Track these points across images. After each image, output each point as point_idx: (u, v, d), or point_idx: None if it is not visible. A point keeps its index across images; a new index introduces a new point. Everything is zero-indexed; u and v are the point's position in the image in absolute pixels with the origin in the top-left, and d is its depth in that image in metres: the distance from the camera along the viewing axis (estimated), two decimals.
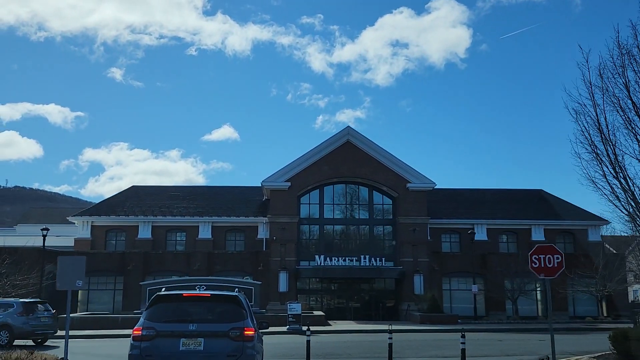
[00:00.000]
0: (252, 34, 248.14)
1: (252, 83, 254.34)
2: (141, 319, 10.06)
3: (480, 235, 47.86)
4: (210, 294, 10.74)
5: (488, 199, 51.27)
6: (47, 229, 34.03)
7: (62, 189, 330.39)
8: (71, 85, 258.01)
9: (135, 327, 9.96)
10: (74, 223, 47.95)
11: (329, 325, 32.22)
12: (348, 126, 45.43)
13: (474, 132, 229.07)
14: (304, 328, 20.74)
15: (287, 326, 29.34)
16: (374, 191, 46.02)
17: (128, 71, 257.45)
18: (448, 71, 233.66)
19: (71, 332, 29.23)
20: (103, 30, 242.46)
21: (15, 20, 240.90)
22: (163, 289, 11.57)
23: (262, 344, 11.79)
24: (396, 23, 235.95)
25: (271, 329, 30.91)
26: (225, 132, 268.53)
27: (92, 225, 46.84)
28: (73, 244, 46.54)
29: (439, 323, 32.56)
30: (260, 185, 48.31)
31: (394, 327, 30.41)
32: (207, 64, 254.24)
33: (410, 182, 44.47)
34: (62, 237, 51.48)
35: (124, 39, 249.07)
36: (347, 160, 44.74)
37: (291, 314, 29.49)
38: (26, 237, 48.58)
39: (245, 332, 9.75)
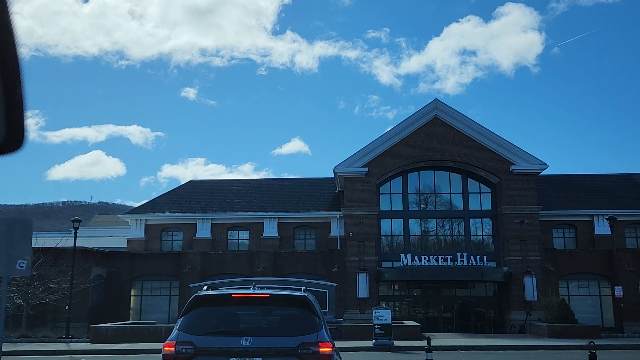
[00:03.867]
0: (319, 51, 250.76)
1: (320, 97, 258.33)
2: (174, 330, 7.33)
3: (602, 228, 39.07)
4: (270, 294, 7.85)
5: (609, 185, 42.27)
6: (79, 221, 28.76)
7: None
8: (150, 107, 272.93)
9: (166, 342, 7.22)
10: (127, 222, 43.18)
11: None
12: (436, 99, 38.06)
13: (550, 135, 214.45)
14: (411, 343, 13.87)
15: (374, 340, 22.39)
16: (468, 178, 38.35)
17: (201, 91, 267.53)
18: (518, 77, 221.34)
19: (104, 346, 23.73)
20: (177, 54, 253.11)
21: (98, 50, 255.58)
22: (204, 288, 8.20)
23: None
24: (463, 31, 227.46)
25: (351, 343, 24.01)
26: (295, 146, 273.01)
27: (146, 224, 41.82)
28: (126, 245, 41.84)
29: (575, 337, 24.59)
30: (332, 176, 41.86)
31: (519, 342, 22.92)
32: (277, 81, 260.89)
33: (514, 164, 36.49)
34: (117, 238, 47.10)
35: (196, 61, 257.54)
36: (435, 141, 37.34)
37: (378, 324, 22.49)
38: (81, 238, 44.47)
39: (321, 350, 6.94)
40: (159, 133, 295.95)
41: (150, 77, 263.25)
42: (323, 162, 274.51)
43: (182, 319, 7.41)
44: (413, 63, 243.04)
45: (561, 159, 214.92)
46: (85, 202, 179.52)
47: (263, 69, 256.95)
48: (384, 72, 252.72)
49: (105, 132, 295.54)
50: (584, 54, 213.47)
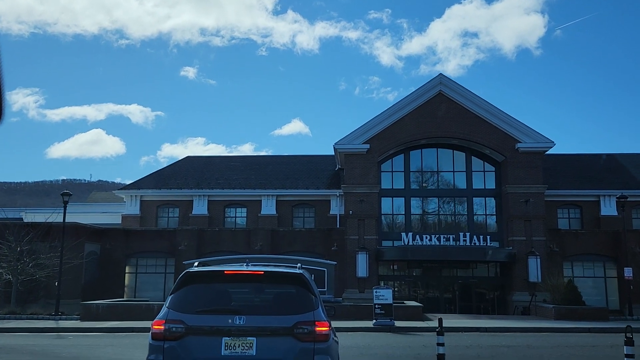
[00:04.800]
0: (320, 32, 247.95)
1: (320, 78, 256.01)
2: (164, 308, 6.89)
3: (608, 209, 38.18)
4: (264, 271, 7.32)
5: (616, 165, 41.23)
6: (69, 194, 27.68)
7: None
8: (150, 86, 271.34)
9: (155, 320, 6.74)
10: (122, 198, 42.24)
11: (430, 320, 24.14)
12: (440, 74, 36.80)
13: (551, 119, 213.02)
14: (413, 323, 13.07)
15: (374, 320, 21.54)
16: (472, 156, 37.28)
17: (201, 70, 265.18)
18: (520, 60, 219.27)
19: (93, 324, 22.87)
20: (177, 34, 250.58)
21: (98, 29, 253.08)
22: (195, 264, 7.80)
23: (337, 346, 7.77)
24: (465, 13, 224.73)
25: (350, 323, 23.16)
26: (295, 127, 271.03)
27: (141, 200, 40.85)
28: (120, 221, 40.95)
29: (582, 319, 23.77)
30: (332, 154, 40.82)
31: (525, 324, 22.08)
32: (277, 62, 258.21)
33: (520, 142, 35.39)
34: (112, 214, 46.21)
35: (196, 41, 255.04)
36: (439, 117, 36.19)
37: (379, 304, 21.61)
38: (75, 214, 43.56)
39: (318, 329, 6.59)
40: (159, 112, 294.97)
41: (150, 56, 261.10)
42: (323, 143, 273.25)
43: (172, 296, 7.05)
44: (414, 44, 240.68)
45: (565, 139, 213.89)
46: (85, 180, 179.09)
47: (263, 50, 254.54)
48: (385, 53, 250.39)
49: (105, 110, 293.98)
50: (586, 37, 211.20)
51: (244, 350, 6.61)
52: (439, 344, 8.17)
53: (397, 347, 15.23)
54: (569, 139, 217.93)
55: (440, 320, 8.15)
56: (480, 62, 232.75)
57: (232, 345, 6.62)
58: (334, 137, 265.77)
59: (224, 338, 6.65)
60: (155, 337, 6.72)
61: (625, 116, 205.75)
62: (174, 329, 6.66)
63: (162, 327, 6.71)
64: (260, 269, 7.46)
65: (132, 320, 22.63)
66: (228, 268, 7.60)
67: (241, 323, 6.69)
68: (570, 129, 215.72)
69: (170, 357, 6.59)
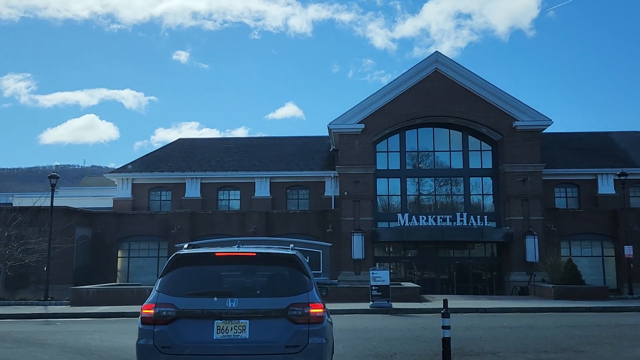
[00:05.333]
0: (312, 14, 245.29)
1: (314, 62, 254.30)
2: (153, 292, 6.79)
3: (606, 187, 37.80)
4: (256, 252, 7.12)
5: (613, 143, 40.76)
6: (57, 177, 26.95)
7: None
8: (143, 70, 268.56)
9: (144, 304, 6.65)
10: (114, 182, 41.54)
11: (428, 301, 23.73)
12: (436, 51, 36.03)
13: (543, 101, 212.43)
14: (410, 305, 12.68)
15: (371, 302, 21.09)
16: (469, 135, 36.68)
17: (193, 54, 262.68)
18: (514, 41, 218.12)
19: (83, 309, 22.30)
20: (168, 18, 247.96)
21: (89, 13, 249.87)
22: (185, 246, 7.65)
23: (332, 328, 7.64)
24: None
25: (346, 305, 22.66)
26: (289, 110, 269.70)
27: (132, 184, 40.13)
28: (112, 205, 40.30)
29: (582, 299, 23.40)
30: (326, 134, 40.17)
31: (525, 305, 21.68)
32: (270, 45, 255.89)
33: (517, 120, 34.81)
34: (104, 198, 45.62)
35: (188, 24, 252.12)
36: (435, 95, 35.50)
37: (375, 286, 21.14)
38: (66, 198, 42.85)
39: (312, 311, 6.52)
40: (152, 97, 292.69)
41: (141, 40, 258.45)
42: (317, 126, 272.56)
43: (161, 279, 6.92)
44: (408, 27, 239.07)
45: (561, 119, 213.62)
46: (79, 166, 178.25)
47: (256, 33, 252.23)
48: (378, 35, 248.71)
49: (97, 96, 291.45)
50: (579, 17, 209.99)
51: (237, 334, 6.47)
52: (444, 327, 7.61)
53: (396, 330, 14.76)
54: (564, 119, 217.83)
55: (445, 302, 7.60)
56: (473, 44, 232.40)
57: (224, 328, 6.48)
58: (327, 121, 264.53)
59: (216, 321, 6.50)
60: (145, 321, 6.58)
61: (620, 95, 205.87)
62: (164, 312, 6.51)
63: (152, 311, 6.56)
64: (252, 250, 7.30)
65: (123, 305, 22.10)
66: (219, 250, 7.42)
67: (233, 305, 6.54)
68: (565, 109, 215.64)
69: (160, 342, 6.44)
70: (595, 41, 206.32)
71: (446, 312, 7.53)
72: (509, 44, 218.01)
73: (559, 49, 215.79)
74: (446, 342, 7.44)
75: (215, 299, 6.60)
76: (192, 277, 6.91)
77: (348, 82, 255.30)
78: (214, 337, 6.47)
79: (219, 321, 6.51)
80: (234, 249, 7.38)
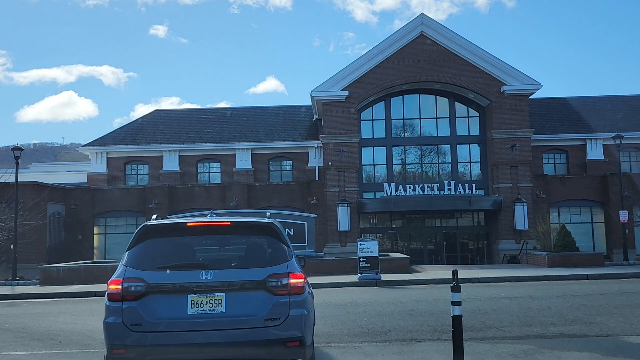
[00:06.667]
0: None
1: (294, 35, 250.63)
2: (120, 266, 6.34)
3: (595, 153, 37.08)
4: (230, 221, 6.68)
5: (602, 108, 39.93)
6: (20, 149, 25.27)
7: None
8: (120, 46, 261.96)
9: (111, 279, 6.22)
10: (87, 156, 39.83)
11: (418, 272, 22.79)
12: (422, 14, 34.55)
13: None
14: (400, 276, 11.70)
15: (359, 274, 20.04)
16: (456, 102, 35.54)
17: (171, 29, 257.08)
18: (493, 12, 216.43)
19: (53, 288, 20.99)
20: None
21: None
22: (153, 217, 7.05)
23: (313, 299, 7.09)
24: None
25: (333, 278, 21.66)
26: (270, 85, 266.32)
27: (107, 157, 38.52)
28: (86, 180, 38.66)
29: (577, 266, 22.66)
30: (309, 104, 38.79)
31: (520, 273, 20.81)
32: (250, 19, 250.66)
33: (506, 84, 33.71)
34: (78, 173, 43.78)
35: None
36: (421, 60, 34.21)
37: (364, 257, 20.08)
38: (37, 174, 41.06)
39: (292, 281, 6.16)
40: (131, 74, 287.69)
41: (118, 15, 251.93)
42: (299, 100, 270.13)
43: (128, 252, 6.43)
44: None
45: (547, 86, 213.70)
46: (58, 143, 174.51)
47: (235, 7, 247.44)
48: (359, 8, 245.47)
49: (75, 72, 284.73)
50: None
51: (212, 308, 6.04)
52: (454, 303, 6.51)
53: (388, 303, 13.74)
54: (551, 86, 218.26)
55: (455, 272, 6.49)
56: (454, 15, 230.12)
57: (198, 302, 6.04)
58: (309, 94, 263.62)
59: (189, 295, 6.06)
60: (112, 297, 6.09)
61: (606, 60, 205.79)
62: (132, 287, 6.05)
63: (119, 286, 6.10)
64: (227, 219, 6.84)
65: (96, 283, 20.83)
66: (191, 220, 6.75)
67: (208, 278, 6.12)
68: (552, 77, 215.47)
69: (130, 319, 5.95)
70: (578, 5, 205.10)
71: (456, 285, 6.41)
72: (489, 15, 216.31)
73: (539, 17, 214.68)
74: (457, 320, 6.34)
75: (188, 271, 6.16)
76: (163, 249, 6.46)
77: (329, 55, 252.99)
78: (188, 312, 6.02)
79: (193, 295, 6.05)
80: (206, 219, 6.82)
